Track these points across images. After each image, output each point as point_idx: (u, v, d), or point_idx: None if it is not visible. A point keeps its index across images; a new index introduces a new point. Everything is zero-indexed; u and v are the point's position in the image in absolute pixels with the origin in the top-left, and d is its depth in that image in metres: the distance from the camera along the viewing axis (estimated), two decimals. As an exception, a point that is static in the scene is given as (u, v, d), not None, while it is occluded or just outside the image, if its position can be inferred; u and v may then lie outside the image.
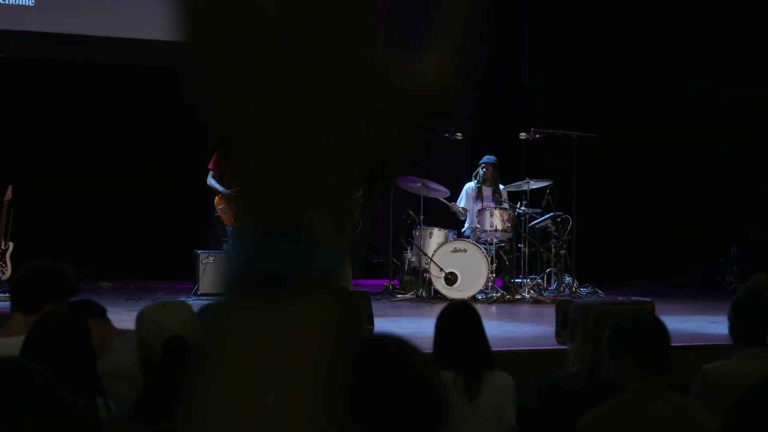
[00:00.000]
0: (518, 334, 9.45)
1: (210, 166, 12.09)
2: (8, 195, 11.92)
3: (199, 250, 12.44)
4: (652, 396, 4.20)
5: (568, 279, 12.37)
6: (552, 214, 12.41)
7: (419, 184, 12.40)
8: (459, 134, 12.50)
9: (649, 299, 9.63)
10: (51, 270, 4.98)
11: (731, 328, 5.08)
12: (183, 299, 11.49)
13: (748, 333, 4.99)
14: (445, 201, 12.88)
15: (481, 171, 12.76)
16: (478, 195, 12.73)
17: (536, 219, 12.58)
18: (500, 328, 9.70)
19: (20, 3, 13.26)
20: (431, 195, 12.76)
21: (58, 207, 13.52)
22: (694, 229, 14.95)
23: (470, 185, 12.90)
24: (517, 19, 15.69)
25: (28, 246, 11.66)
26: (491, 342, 5.45)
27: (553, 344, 8.44)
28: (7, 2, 13.20)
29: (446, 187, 12.75)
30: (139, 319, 3.89)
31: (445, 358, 5.13)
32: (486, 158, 12.81)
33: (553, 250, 12.35)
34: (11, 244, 11.92)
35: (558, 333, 8.63)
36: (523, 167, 14.29)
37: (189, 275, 12.46)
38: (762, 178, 15.30)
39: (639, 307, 8.76)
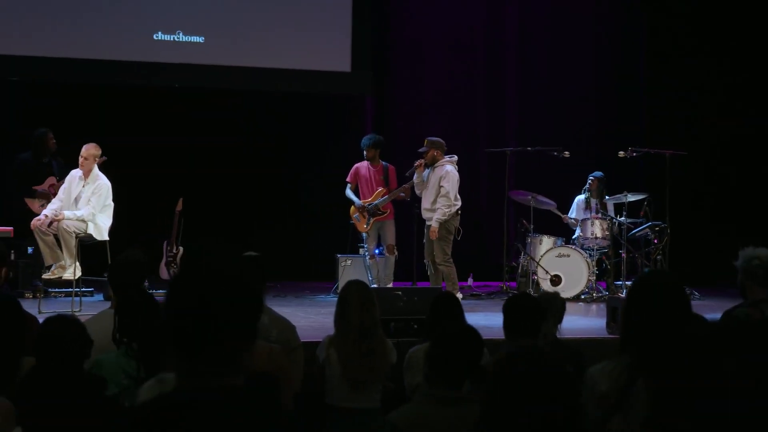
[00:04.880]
0: (599, 326, 10.65)
1: (348, 179, 13.44)
2: (179, 206, 13.21)
3: (338, 254, 13.81)
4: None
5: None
6: (650, 223, 13.64)
7: (529, 197, 13.87)
8: (566, 153, 13.94)
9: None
10: None
11: None
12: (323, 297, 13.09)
13: None
14: (558, 213, 14.23)
15: (588, 184, 14.17)
16: (587, 206, 14.07)
17: (634, 228, 13.85)
18: (591, 323, 11.15)
19: (192, 40, 14.86)
20: (542, 207, 14.09)
21: (220, 216, 14.77)
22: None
23: (580, 198, 14.23)
24: (632, 52, 16.94)
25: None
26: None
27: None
28: (181, 40, 14.88)
29: (555, 200, 14.12)
30: None
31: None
32: (594, 173, 14.20)
33: (652, 256, 13.56)
34: (182, 249, 13.24)
35: (608, 325, 10.04)
36: (641, 181, 15.40)
37: (330, 276, 13.80)
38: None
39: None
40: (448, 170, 12.61)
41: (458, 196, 12.65)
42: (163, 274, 13.33)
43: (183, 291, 2.39)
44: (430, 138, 12.85)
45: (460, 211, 12.65)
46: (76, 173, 11.98)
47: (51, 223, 11.61)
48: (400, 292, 9.68)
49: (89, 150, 11.89)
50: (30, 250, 12.41)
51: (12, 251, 12.71)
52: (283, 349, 5.88)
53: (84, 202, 11.77)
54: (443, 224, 12.51)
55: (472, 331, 4.76)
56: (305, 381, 6.48)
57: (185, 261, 2.56)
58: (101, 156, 12.30)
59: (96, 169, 11.96)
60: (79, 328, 4.84)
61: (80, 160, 11.89)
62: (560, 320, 6.91)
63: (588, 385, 3.96)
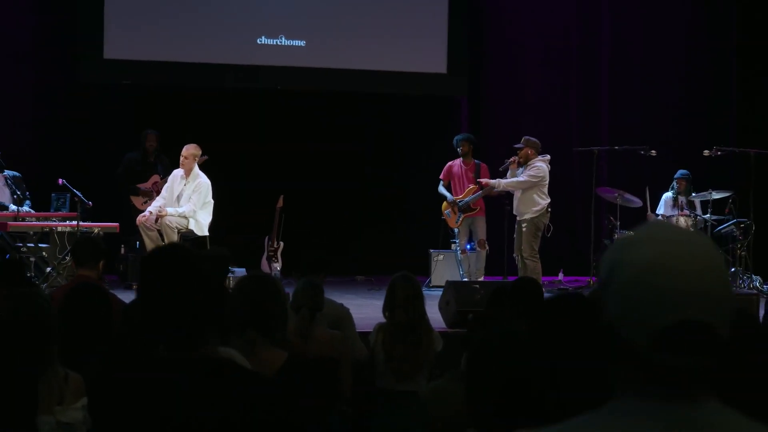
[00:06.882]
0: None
1: (441, 176, 13.79)
2: (280, 203, 13.84)
3: (431, 249, 14.18)
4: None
5: (753, 277, 13.78)
6: (735, 220, 13.86)
7: (616, 195, 14.18)
8: (653, 151, 14.22)
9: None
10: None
11: None
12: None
13: None
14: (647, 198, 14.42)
15: (675, 183, 14.44)
16: (674, 204, 14.36)
17: (719, 225, 14.07)
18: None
19: (294, 44, 15.49)
20: (628, 204, 14.29)
21: (318, 213, 15.27)
22: None
23: (667, 195, 14.46)
24: (723, 51, 17.10)
25: (295, 245, 13.45)
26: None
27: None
28: (283, 44, 15.49)
29: (642, 197, 14.32)
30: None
31: None
32: (680, 172, 14.44)
33: (737, 252, 13.78)
34: (282, 243, 13.87)
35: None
36: (727, 179, 15.55)
37: (423, 270, 13.85)
38: None
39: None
40: (537, 165, 12.92)
41: (547, 194, 12.94)
42: (265, 267, 13.85)
43: (159, 286, 2.91)
44: (527, 137, 13.12)
45: (550, 209, 12.93)
46: (178, 173, 12.63)
47: (157, 219, 12.28)
48: (477, 285, 10.16)
49: (189, 150, 12.52)
50: (138, 244, 13.09)
51: (122, 245, 13.53)
52: (343, 336, 6.36)
53: (185, 199, 12.41)
54: (533, 220, 12.82)
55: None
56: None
57: (157, 261, 3.03)
58: (202, 155, 12.95)
59: (196, 168, 12.57)
60: None
61: (181, 159, 12.52)
62: None
63: None
